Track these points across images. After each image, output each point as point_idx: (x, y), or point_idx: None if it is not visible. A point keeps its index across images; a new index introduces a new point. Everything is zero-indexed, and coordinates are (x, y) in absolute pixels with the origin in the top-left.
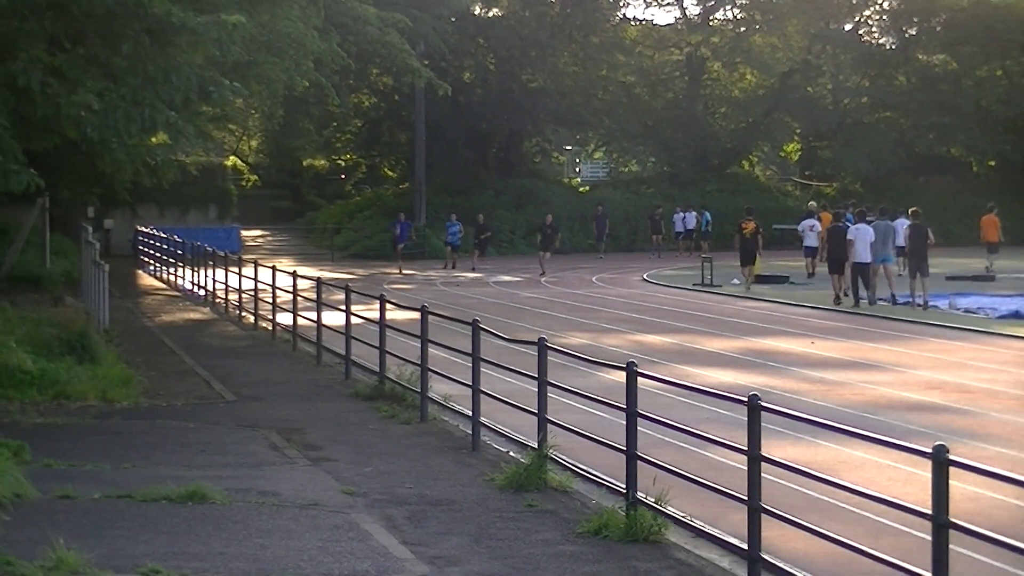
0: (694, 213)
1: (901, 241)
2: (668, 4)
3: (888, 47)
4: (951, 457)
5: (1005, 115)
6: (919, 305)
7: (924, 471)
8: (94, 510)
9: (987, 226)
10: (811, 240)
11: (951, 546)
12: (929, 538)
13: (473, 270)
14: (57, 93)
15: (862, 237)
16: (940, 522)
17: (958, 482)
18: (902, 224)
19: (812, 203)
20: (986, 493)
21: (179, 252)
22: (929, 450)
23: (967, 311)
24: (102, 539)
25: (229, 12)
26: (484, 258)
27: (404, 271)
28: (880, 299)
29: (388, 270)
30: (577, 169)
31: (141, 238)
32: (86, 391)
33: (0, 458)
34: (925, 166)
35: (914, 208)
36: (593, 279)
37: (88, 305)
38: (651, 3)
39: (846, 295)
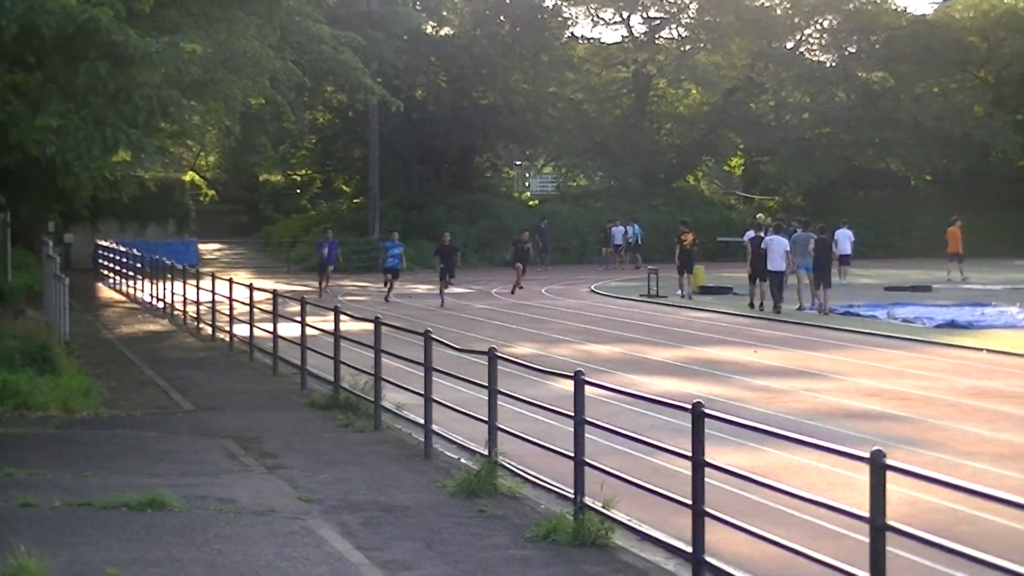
0: (623, 227)
1: (846, 249)
2: (615, 23)
3: (828, 65)
4: (888, 462)
5: (941, 130)
6: (822, 311)
7: (863, 476)
8: (55, 518)
9: (952, 238)
10: (777, 263)
11: (888, 548)
12: (867, 540)
13: (442, 305)
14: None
15: (775, 247)
16: (877, 525)
17: (895, 486)
18: (844, 234)
19: (760, 215)
20: (923, 497)
21: (138, 265)
22: (867, 455)
23: (905, 320)
24: (63, 546)
25: (187, 33)
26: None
27: (325, 291)
28: (807, 308)
29: (344, 282)
30: (527, 184)
31: (101, 252)
32: (47, 401)
33: None
34: (864, 180)
35: (822, 225)
36: (543, 291)
37: (49, 317)
38: (598, 22)
39: (761, 306)
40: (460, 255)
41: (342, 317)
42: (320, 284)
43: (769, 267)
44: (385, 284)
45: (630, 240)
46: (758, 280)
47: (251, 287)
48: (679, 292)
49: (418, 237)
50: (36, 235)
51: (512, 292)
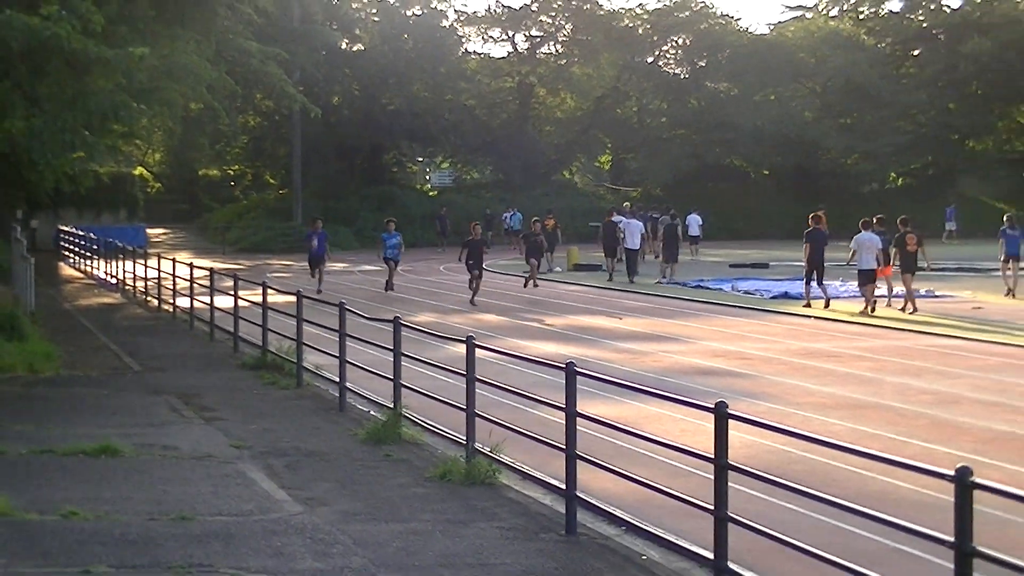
0: (507, 212)
1: (695, 231)
2: (502, 40)
3: (683, 76)
4: (730, 411)
5: (777, 132)
6: (668, 283)
7: (709, 424)
8: (21, 464)
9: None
10: (633, 241)
11: (730, 484)
12: (712, 478)
13: (472, 302)
14: None
15: (631, 229)
16: (721, 464)
17: (737, 432)
18: (694, 219)
19: (627, 204)
20: (760, 441)
21: (94, 247)
22: (712, 406)
23: (746, 292)
24: (28, 487)
25: (135, 46)
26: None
27: (321, 281)
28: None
29: (271, 261)
30: (428, 177)
31: (62, 235)
32: (14, 364)
33: None
34: (712, 174)
35: (672, 211)
36: (441, 268)
37: (17, 291)
38: (488, 39)
39: (611, 278)
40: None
41: (268, 291)
42: (314, 275)
43: (626, 245)
44: (388, 277)
45: (513, 225)
46: (610, 256)
47: (191, 266)
48: (557, 269)
49: (336, 223)
50: (5, 221)
51: (525, 285)
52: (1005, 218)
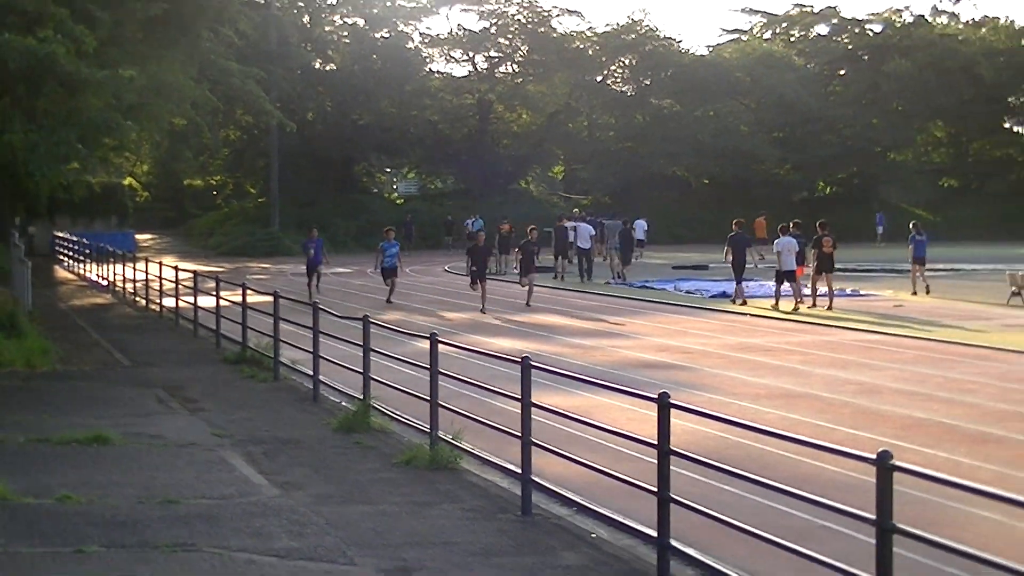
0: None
1: (640, 236)
2: (463, 61)
3: (629, 94)
4: (672, 401)
5: (715, 145)
6: (617, 283)
7: (654, 413)
8: (19, 452)
9: (758, 227)
10: (584, 243)
11: (673, 468)
12: (656, 462)
13: (482, 311)
14: None
15: (582, 232)
16: (663, 450)
17: (679, 420)
18: (640, 225)
19: (576, 210)
20: (700, 428)
21: (87, 252)
22: (655, 396)
23: (687, 292)
24: (26, 474)
25: (125, 67)
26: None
27: (316, 289)
28: (614, 282)
29: (250, 264)
30: (395, 186)
31: (57, 241)
32: (13, 359)
33: None
34: (657, 183)
35: (625, 219)
36: (407, 270)
37: (15, 292)
38: (450, 60)
39: (563, 277)
40: (490, 256)
41: (248, 291)
42: (309, 284)
43: (579, 245)
44: (387, 284)
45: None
46: (560, 257)
47: (176, 269)
48: (499, 269)
49: (307, 228)
50: (4, 227)
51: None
52: (912, 225)
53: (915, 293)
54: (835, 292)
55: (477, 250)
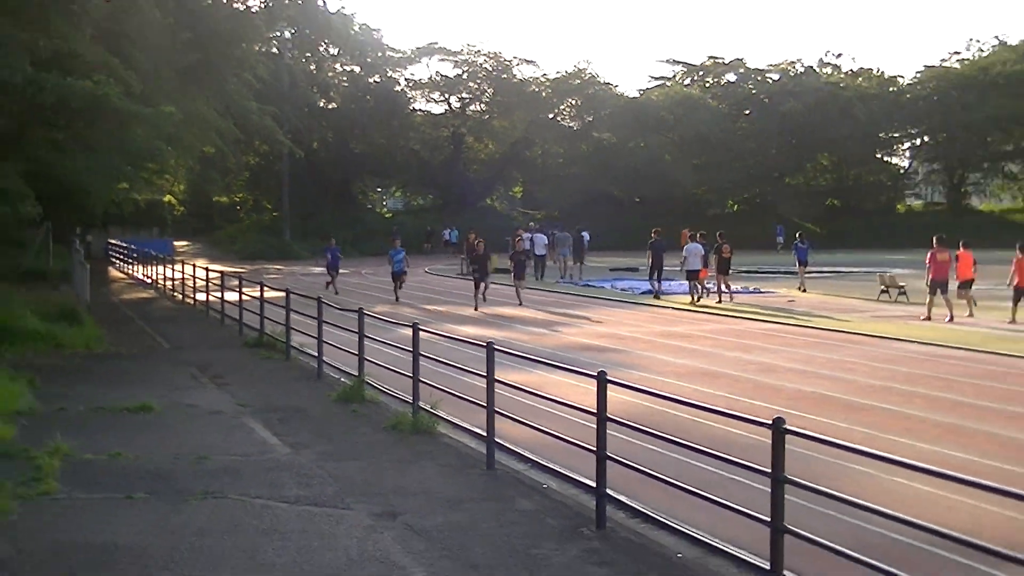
0: (446, 230)
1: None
2: (441, 100)
3: (575, 128)
4: (608, 377)
5: (645, 170)
6: (564, 282)
7: (593, 387)
8: (79, 418)
9: (683, 237)
10: (540, 250)
11: (608, 432)
12: (595, 427)
13: (476, 309)
14: (55, 159)
15: (538, 241)
16: (601, 417)
17: (615, 394)
18: (584, 235)
19: (532, 223)
20: (631, 400)
21: (134, 255)
22: (595, 374)
23: (622, 289)
24: (84, 436)
25: (164, 104)
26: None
27: (334, 287)
28: (562, 281)
29: (266, 266)
30: (385, 202)
31: (110, 247)
32: (75, 343)
33: (20, 385)
34: (598, 201)
35: (578, 227)
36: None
37: (76, 289)
38: (429, 100)
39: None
40: (489, 262)
41: (265, 288)
42: (328, 284)
43: (535, 252)
44: (395, 284)
45: (452, 239)
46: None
47: (207, 270)
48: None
49: (314, 237)
50: (67, 236)
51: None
52: (797, 235)
53: (803, 290)
54: (740, 290)
55: (479, 257)
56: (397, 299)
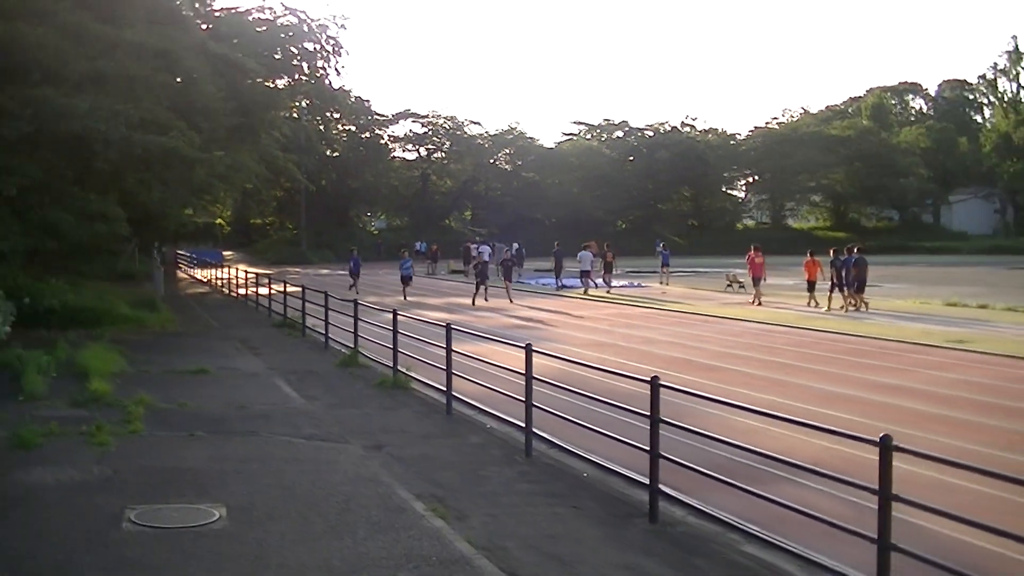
0: (417, 243)
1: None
2: (413, 150)
3: (509, 170)
4: (533, 348)
5: (560, 200)
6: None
7: (523, 355)
8: (157, 378)
9: (592, 247)
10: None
11: (534, 387)
12: (524, 384)
13: (473, 305)
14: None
15: (483, 250)
16: (528, 376)
17: (541, 360)
18: (514, 246)
19: (478, 237)
20: (550, 364)
21: (194, 261)
22: (524, 345)
23: (543, 284)
24: (161, 390)
25: (217, 152)
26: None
27: (356, 290)
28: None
29: (289, 270)
30: (374, 223)
31: (178, 255)
32: (154, 325)
33: (116, 354)
34: (525, 223)
35: (513, 241)
36: (380, 272)
37: (154, 286)
38: (405, 150)
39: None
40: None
41: (288, 286)
42: (351, 286)
43: (482, 259)
44: (404, 286)
45: (422, 250)
46: (467, 265)
47: (247, 272)
48: (443, 272)
49: (324, 248)
50: (148, 248)
51: (511, 301)
52: (661, 244)
53: (666, 284)
54: (624, 284)
55: (479, 266)
56: (405, 297)
